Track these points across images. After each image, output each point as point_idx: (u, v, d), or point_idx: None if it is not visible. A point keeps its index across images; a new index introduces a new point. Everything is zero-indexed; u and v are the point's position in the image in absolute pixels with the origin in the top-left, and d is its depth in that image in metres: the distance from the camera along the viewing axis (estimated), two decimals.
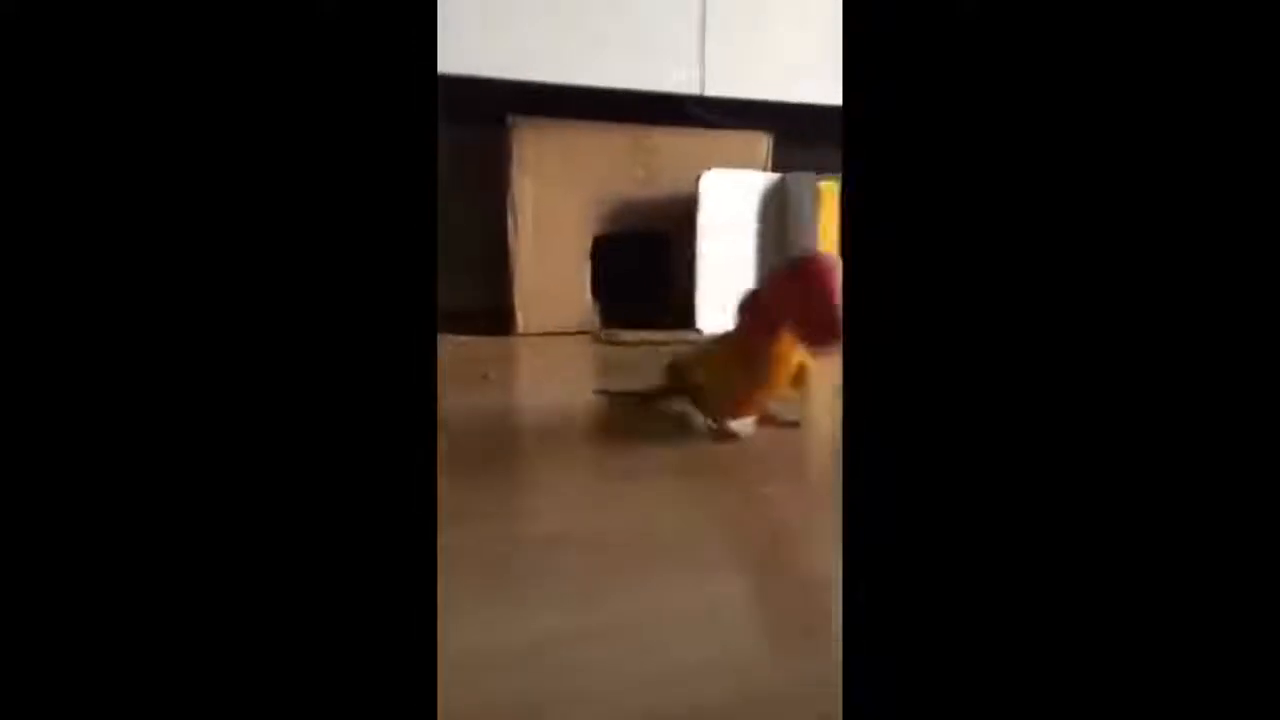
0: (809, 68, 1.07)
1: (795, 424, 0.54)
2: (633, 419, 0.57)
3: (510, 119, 1.00)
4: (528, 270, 1.01)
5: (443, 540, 0.33)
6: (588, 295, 1.05)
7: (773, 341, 0.48)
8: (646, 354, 0.88)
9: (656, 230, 1.08)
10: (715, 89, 1.03)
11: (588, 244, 1.04)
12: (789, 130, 1.17)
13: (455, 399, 0.60)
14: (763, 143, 1.13)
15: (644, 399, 0.60)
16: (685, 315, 1.04)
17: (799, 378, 0.51)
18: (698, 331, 1.02)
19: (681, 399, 0.56)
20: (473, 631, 0.27)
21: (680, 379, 0.55)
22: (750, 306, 0.50)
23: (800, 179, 1.07)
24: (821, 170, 1.04)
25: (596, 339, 1.00)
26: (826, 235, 1.12)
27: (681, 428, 0.54)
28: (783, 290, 0.47)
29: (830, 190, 1.12)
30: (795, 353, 0.49)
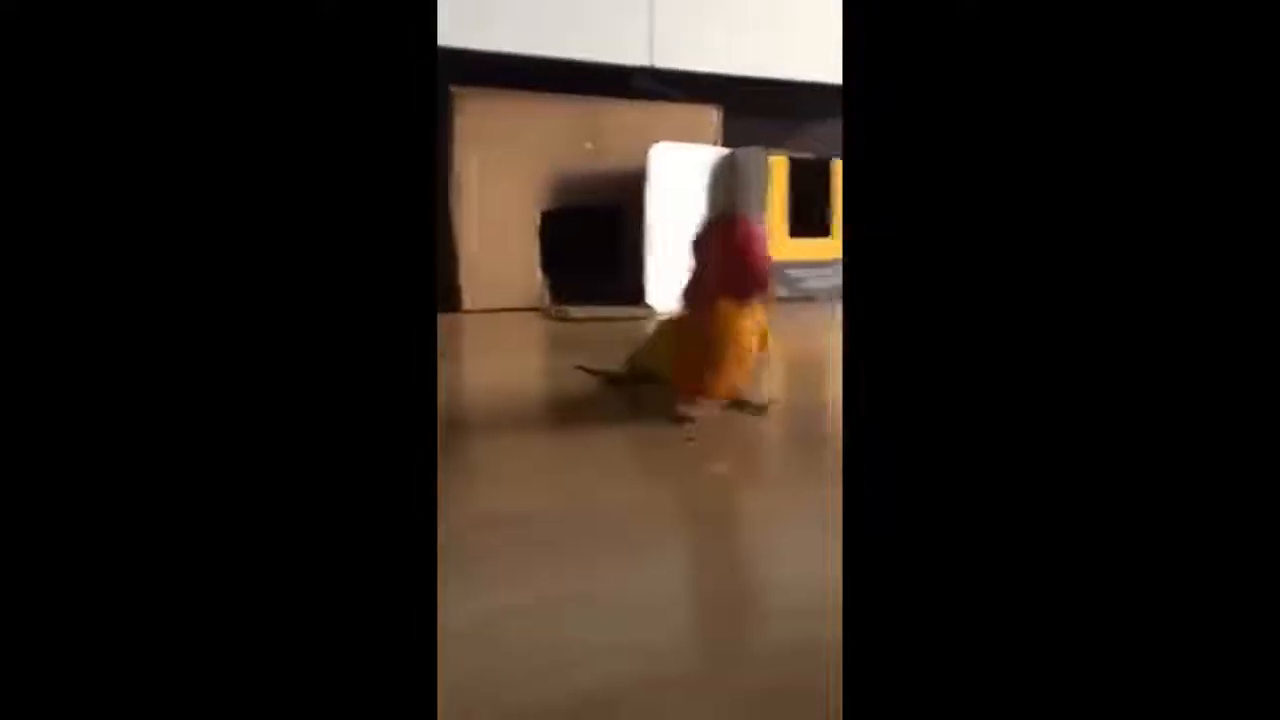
0: (757, 41, 1.06)
1: (762, 409, 0.53)
2: (584, 400, 0.56)
3: (451, 89, 0.97)
4: (472, 245, 0.99)
5: None
6: (536, 271, 1.03)
7: (717, 312, 0.47)
8: (596, 329, 0.87)
9: (605, 204, 1.07)
10: (663, 61, 1.02)
11: (535, 218, 1.02)
12: (738, 104, 1.17)
13: None
14: (712, 116, 1.12)
15: (613, 382, 0.59)
16: (635, 290, 1.03)
17: (762, 343, 0.50)
18: (648, 306, 1.01)
19: (649, 387, 0.55)
20: None
21: (643, 371, 0.54)
22: (688, 287, 0.49)
23: (749, 153, 1.06)
24: (770, 144, 1.04)
25: (545, 315, 0.98)
26: (775, 209, 1.12)
27: (636, 409, 0.53)
28: (704, 257, 0.47)
29: (779, 164, 1.12)
30: (747, 320, 0.48)
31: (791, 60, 1.09)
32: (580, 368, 0.65)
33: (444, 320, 0.92)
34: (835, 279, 1.18)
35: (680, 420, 0.50)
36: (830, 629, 0.25)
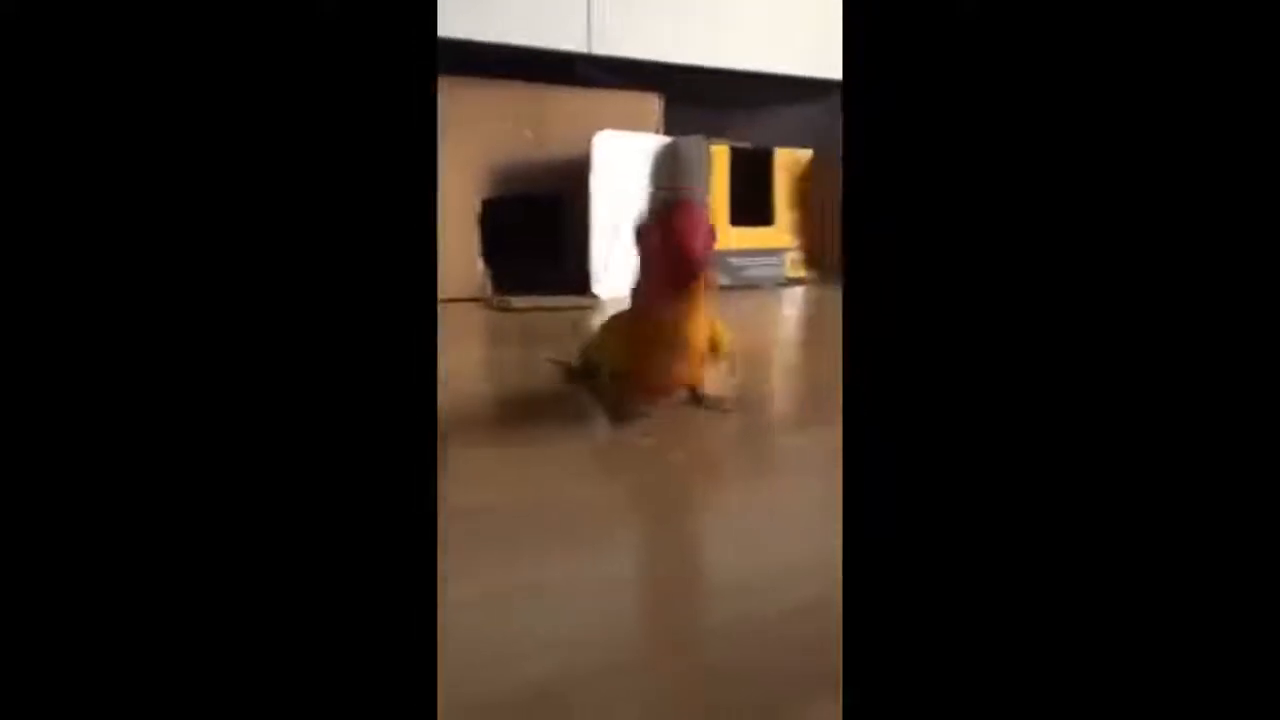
0: (699, 29, 1.06)
1: (720, 403, 0.52)
2: (536, 394, 0.55)
3: None
4: None
5: None
6: (477, 260, 1.01)
7: (662, 306, 0.46)
8: (539, 319, 0.86)
9: (547, 192, 1.05)
10: (602, 48, 1.00)
11: (475, 206, 1.00)
12: (679, 92, 1.16)
13: None
14: (654, 103, 1.11)
15: (571, 378, 0.58)
16: (579, 279, 1.02)
17: (714, 345, 0.49)
18: (593, 295, 1.00)
19: (604, 381, 0.54)
20: None
21: (595, 365, 0.53)
22: (635, 277, 0.48)
23: (692, 141, 1.06)
24: (711, 134, 1.04)
25: (487, 305, 0.96)
26: (718, 197, 1.12)
27: (592, 403, 0.53)
28: (648, 244, 0.46)
29: (720, 153, 1.12)
30: (700, 313, 0.47)
31: (733, 49, 1.09)
32: (551, 360, 0.63)
33: None
34: (778, 268, 1.19)
35: (635, 416, 0.49)
36: (772, 604, 0.26)
